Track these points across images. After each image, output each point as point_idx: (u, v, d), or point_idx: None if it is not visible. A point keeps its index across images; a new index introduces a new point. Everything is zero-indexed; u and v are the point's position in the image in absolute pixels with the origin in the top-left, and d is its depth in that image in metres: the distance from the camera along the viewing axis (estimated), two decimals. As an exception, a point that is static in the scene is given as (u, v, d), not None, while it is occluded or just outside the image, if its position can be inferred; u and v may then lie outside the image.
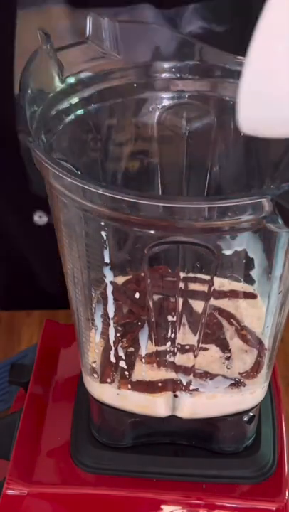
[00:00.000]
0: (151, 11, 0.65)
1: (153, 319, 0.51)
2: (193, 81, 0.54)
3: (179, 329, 0.52)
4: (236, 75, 0.52)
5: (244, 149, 0.54)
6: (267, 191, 0.43)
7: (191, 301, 0.53)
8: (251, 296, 0.55)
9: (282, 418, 0.58)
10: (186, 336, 0.52)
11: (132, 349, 0.53)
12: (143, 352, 0.52)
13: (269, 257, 0.50)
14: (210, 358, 0.53)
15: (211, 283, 0.49)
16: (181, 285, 0.51)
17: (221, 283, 0.55)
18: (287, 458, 0.56)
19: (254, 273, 0.54)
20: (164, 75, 0.54)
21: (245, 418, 0.54)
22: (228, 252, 0.51)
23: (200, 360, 0.52)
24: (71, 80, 0.51)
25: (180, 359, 0.52)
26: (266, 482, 0.54)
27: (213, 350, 0.53)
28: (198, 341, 0.51)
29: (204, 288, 0.51)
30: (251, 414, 0.54)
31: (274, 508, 0.53)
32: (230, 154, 0.54)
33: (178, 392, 0.53)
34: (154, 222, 0.45)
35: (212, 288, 0.50)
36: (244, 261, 0.53)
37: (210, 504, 0.54)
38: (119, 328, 0.52)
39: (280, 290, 0.51)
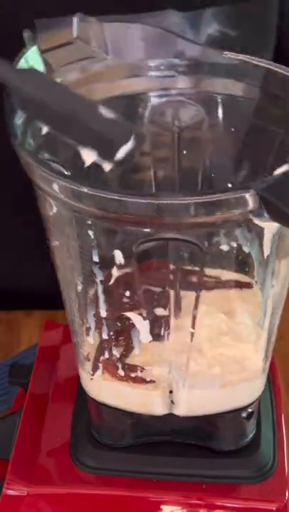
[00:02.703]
0: (174, 16, 0.66)
1: (145, 315, 0.51)
2: (181, 78, 0.54)
3: (173, 324, 0.52)
4: (224, 70, 0.52)
5: (236, 146, 0.54)
6: (251, 185, 0.43)
7: (184, 295, 0.52)
8: (247, 289, 0.55)
9: (282, 418, 0.58)
10: (180, 330, 0.52)
11: (126, 347, 0.53)
12: (137, 350, 0.52)
13: (262, 252, 0.49)
14: (206, 353, 0.52)
15: (200, 278, 0.49)
16: (172, 280, 0.51)
17: (216, 277, 0.54)
18: (287, 458, 0.55)
19: (249, 267, 0.54)
20: (152, 74, 0.54)
21: (244, 414, 0.54)
22: (221, 247, 0.51)
23: (195, 356, 0.52)
24: (59, 81, 0.51)
25: (175, 354, 0.52)
26: (266, 482, 0.54)
27: (209, 346, 0.53)
28: (193, 336, 0.51)
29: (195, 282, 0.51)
30: (250, 410, 0.54)
31: (274, 508, 0.53)
32: (222, 151, 0.54)
33: (174, 389, 0.53)
34: (141, 220, 0.45)
35: (202, 282, 0.49)
36: (239, 256, 0.52)
37: (210, 504, 0.53)
38: (112, 327, 0.52)
39: (273, 284, 0.50)
